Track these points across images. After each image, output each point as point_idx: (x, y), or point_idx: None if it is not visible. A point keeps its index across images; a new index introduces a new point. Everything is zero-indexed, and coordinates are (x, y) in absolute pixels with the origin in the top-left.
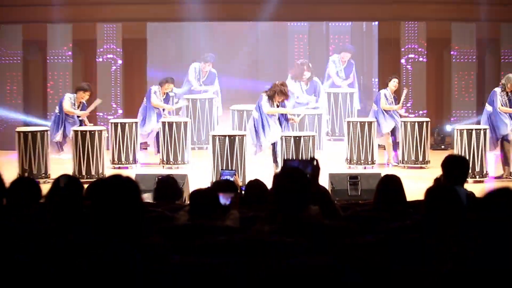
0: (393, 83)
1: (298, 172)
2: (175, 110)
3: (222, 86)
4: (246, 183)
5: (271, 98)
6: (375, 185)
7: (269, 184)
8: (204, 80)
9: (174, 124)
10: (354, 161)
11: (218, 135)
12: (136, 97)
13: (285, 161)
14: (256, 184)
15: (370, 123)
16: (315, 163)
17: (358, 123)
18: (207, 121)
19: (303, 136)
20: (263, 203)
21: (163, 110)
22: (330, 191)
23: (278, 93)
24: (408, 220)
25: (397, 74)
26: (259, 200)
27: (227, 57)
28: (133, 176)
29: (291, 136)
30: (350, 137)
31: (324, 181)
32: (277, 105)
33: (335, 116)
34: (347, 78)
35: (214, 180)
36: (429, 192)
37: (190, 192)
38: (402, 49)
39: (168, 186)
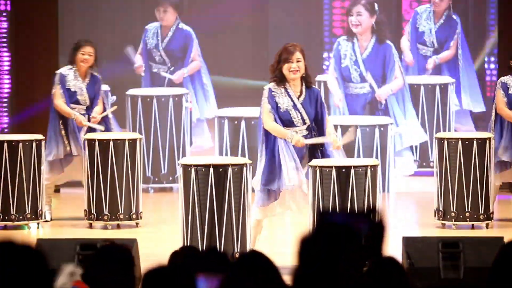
0: None
1: (345, 235)
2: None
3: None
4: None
5: (278, 83)
6: (492, 260)
7: (282, 259)
8: (168, 44)
9: (110, 144)
10: (453, 215)
11: (195, 165)
12: (40, 93)
13: (323, 215)
14: (253, 260)
15: (482, 142)
16: (376, 218)
17: (459, 142)
18: (171, 138)
19: (354, 166)
20: None
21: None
22: (406, 270)
23: (282, 61)
24: None
25: None
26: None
27: (212, 25)
28: (33, 244)
29: (331, 167)
30: (443, 169)
31: (394, 250)
32: (297, 97)
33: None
34: (444, 48)
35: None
36: None
37: (143, 273)
38: None
39: (113, 266)
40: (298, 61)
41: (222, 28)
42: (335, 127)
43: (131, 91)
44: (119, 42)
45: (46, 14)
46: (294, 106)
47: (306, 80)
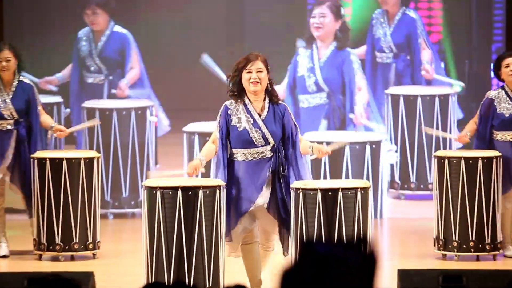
0: (508, 67)
1: (331, 267)
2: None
3: (166, 80)
4: None
5: (237, 98)
6: None
7: None
8: (102, 50)
9: (64, 163)
10: (455, 244)
11: (160, 188)
12: None
13: (306, 245)
14: None
15: (488, 161)
16: (367, 248)
17: (462, 161)
18: (133, 157)
19: (342, 189)
20: None
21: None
22: None
23: (240, 69)
24: None
25: None
26: None
27: (173, 18)
28: None
29: (316, 189)
30: (444, 192)
31: (389, 285)
32: (258, 113)
33: (410, 145)
34: (413, 52)
35: (150, 281)
36: None
37: None
38: None
39: None
40: (259, 72)
41: (193, 27)
42: (321, 144)
43: (88, 103)
44: (68, 51)
45: None
46: (255, 123)
47: (271, 94)
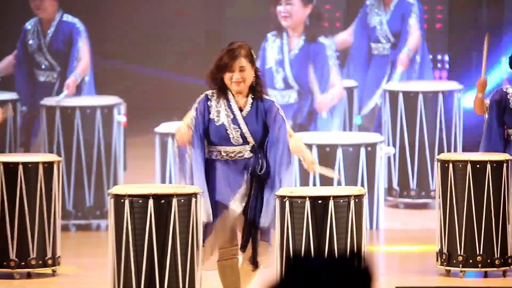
0: None
1: (321, 285)
2: None
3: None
4: None
5: (219, 93)
6: None
7: None
8: (51, 43)
9: (19, 168)
10: (460, 259)
11: (129, 196)
12: None
13: (294, 260)
14: None
15: (497, 165)
16: (361, 264)
17: (469, 166)
18: (98, 161)
19: (334, 197)
20: None
21: None
22: None
23: (221, 68)
24: None
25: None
26: None
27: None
28: None
29: (304, 197)
30: (448, 199)
31: None
32: (240, 109)
33: (410, 148)
34: (401, 39)
35: None
36: None
37: None
38: None
39: None
40: (241, 70)
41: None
42: (310, 146)
43: (47, 101)
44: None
45: None
46: (234, 120)
47: (255, 90)
